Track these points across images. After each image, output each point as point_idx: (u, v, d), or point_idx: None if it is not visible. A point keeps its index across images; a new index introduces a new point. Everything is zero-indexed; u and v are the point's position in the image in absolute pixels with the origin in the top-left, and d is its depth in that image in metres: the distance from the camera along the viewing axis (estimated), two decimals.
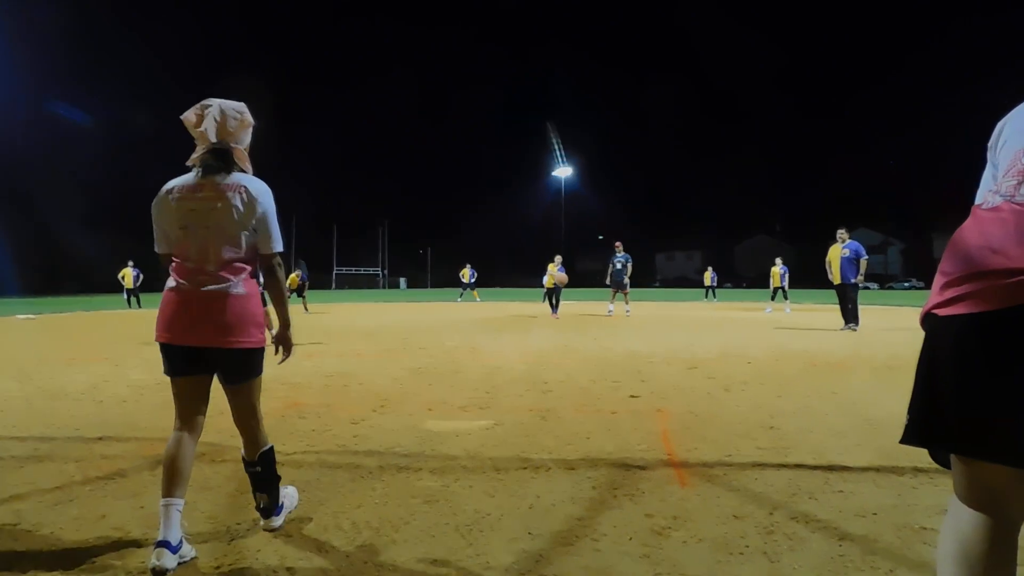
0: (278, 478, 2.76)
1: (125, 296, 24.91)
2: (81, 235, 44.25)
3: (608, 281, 18.90)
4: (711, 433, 4.35)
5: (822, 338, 11.20)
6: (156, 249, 2.60)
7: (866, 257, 12.72)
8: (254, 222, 2.51)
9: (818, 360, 8.20)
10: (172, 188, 2.52)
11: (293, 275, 20.37)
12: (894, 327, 13.67)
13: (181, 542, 2.37)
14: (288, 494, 2.92)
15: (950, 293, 1.42)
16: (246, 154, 2.63)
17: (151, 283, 24.40)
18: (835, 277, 12.84)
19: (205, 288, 2.45)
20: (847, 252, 12.68)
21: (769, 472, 3.49)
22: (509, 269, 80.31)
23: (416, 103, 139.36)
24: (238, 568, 2.36)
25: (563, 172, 71.80)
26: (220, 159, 2.53)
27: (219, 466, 3.63)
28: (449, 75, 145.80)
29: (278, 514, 2.75)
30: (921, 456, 1.53)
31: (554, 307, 18.12)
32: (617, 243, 18.66)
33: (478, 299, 31.37)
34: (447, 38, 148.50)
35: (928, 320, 1.48)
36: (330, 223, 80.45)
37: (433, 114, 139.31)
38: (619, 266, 18.53)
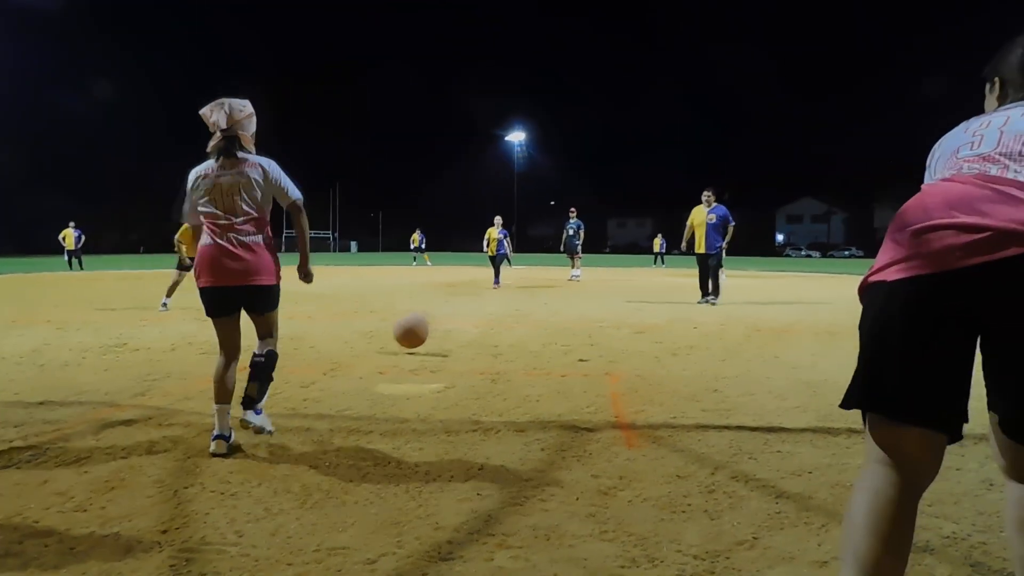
0: (271, 380, 3.46)
1: (66, 258, 23.94)
2: (18, 194, 42.29)
3: (562, 248, 19.11)
4: (658, 396, 4.46)
5: (766, 305, 11.51)
6: (186, 221, 3.39)
7: (733, 224, 11.37)
8: (272, 187, 3.30)
9: (762, 326, 8.43)
10: (202, 172, 3.27)
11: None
12: (836, 295, 14.10)
13: (231, 433, 3.22)
14: (268, 419, 3.48)
15: (884, 260, 1.49)
16: (251, 139, 3.35)
17: (94, 244, 23.23)
18: (699, 245, 11.35)
19: (234, 239, 3.20)
20: (713, 218, 11.19)
21: (712, 434, 3.61)
22: (463, 235, 79.59)
23: (371, 64, 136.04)
24: (186, 532, 2.33)
25: (516, 137, 71.32)
26: (231, 143, 3.24)
27: (167, 429, 3.58)
28: (404, 34, 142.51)
29: (258, 413, 3.39)
30: (855, 418, 1.59)
31: (496, 276, 16.01)
32: (572, 209, 18.88)
33: (429, 263, 31.18)
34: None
35: (869, 286, 1.54)
36: None
37: (387, 74, 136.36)
38: (571, 232, 18.71)
